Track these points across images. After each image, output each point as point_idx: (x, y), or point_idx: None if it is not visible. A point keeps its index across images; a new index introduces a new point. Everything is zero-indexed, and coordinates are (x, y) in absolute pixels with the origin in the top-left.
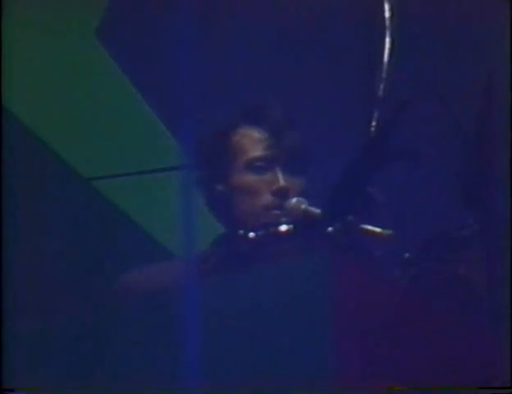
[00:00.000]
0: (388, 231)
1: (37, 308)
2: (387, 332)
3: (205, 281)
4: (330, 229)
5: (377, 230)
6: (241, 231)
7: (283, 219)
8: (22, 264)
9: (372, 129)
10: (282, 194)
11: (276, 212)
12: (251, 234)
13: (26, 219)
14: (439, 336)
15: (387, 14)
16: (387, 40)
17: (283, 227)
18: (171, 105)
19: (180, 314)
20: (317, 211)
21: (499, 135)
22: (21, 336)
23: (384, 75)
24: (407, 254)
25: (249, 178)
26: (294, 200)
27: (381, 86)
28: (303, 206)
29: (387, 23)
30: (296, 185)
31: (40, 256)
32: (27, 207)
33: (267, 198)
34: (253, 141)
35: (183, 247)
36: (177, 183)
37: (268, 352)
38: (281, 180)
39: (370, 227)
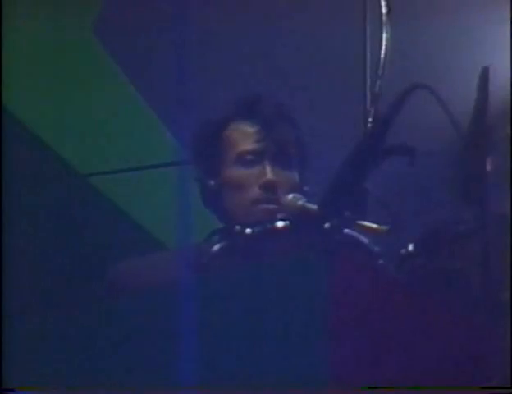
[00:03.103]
0: (385, 227)
1: (36, 306)
2: (385, 330)
3: (201, 277)
4: (327, 225)
5: (374, 226)
6: (238, 228)
7: (279, 215)
8: (21, 261)
9: (369, 125)
10: (270, 188)
11: (264, 206)
12: (248, 230)
13: (24, 215)
14: (437, 334)
15: (384, 10)
16: (384, 36)
17: (280, 224)
18: (168, 101)
19: (177, 310)
20: (314, 207)
21: (498, 130)
22: (21, 336)
23: (380, 70)
24: (403, 251)
25: (239, 172)
26: (290, 196)
27: (378, 82)
28: (299, 202)
29: (384, 19)
30: (284, 179)
31: (38, 253)
32: (24, 203)
33: (254, 192)
34: (243, 135)
35: (179, 242)
36: (173, 178)
37: (266, 349)
38: (269, 174)
39: (367, 223)
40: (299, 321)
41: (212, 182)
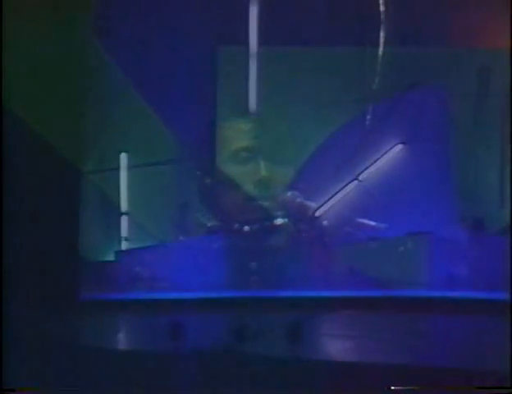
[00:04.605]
0: (383, 225)
1: (36, 306)
2: (384, 329)
3: (201, 271)
4: (325, 223)
5: (373, 224)
6: (237, 225)
7: (275, 212)
8: (21, 260)
9: (367, 122)
10: (264, 185)
11: (259, 202)
12: (246, 227)
13: (25, 213)
14: (436, 333)
15: (382, 7)
16: (382, 34)
17: (278, 221)
18: (167, 101)
19: (176, 305)
20: (313, 205)
21: (498, 130)
22: (21, 336)
23: (378, 68)
24: (402, 248)
25: (233, 169)
26: (289, 194)
27: (376, 80)
28: (298, 200)
29: (382, 17)
30: (279, 176)
31: (38, 251)
32: (26, 201)
33: (249, 188)
34: (238, 133)
35: (177, 239)
36: (172, 176)
37: (263, 347)
38: (263, 171)
39: (366, 221)
40: (298, 316)
41: (207, 180)
